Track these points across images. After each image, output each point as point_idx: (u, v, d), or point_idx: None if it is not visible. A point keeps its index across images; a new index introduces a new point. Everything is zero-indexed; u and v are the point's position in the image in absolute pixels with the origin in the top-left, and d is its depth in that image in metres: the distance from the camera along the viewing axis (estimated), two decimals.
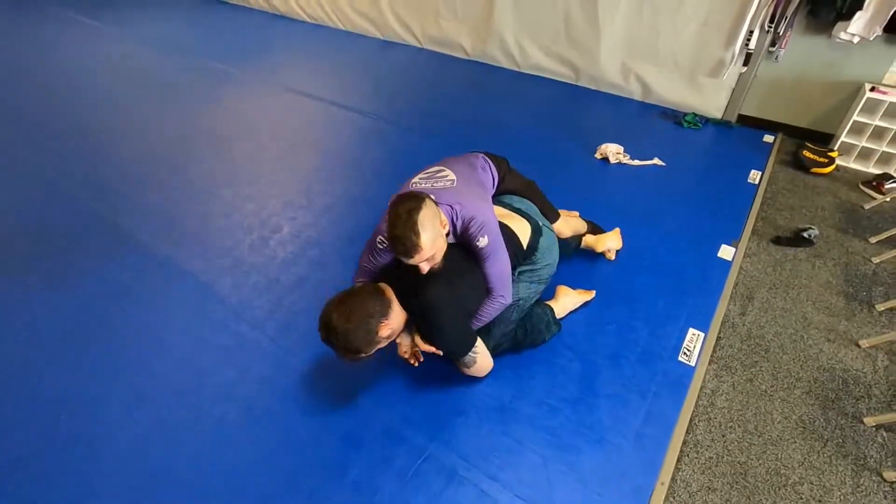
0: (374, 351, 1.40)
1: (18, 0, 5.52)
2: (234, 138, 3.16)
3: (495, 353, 1.65)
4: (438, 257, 1.38)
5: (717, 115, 3.31)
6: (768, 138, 3.12)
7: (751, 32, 2.97)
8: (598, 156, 2.93)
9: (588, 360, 1.72)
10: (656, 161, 2.87)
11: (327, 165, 2.90)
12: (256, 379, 1.70)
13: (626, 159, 2.88)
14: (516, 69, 4.04)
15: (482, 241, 1.45)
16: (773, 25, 2.90)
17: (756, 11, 2.89)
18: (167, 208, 2.53)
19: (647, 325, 1.85)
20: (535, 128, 3.26)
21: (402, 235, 1.28)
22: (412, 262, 1.33)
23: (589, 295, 1.93)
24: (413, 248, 1.29)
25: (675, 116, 3.36)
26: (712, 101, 3.31)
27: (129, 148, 3.05)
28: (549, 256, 1.71)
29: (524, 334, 1.70)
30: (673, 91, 3.44)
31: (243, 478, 1.43)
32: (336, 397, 1.64)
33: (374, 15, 4.53)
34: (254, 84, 3.88)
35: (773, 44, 2.97)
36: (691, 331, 1.83)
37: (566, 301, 1.88)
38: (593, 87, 3.75)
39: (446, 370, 1.67)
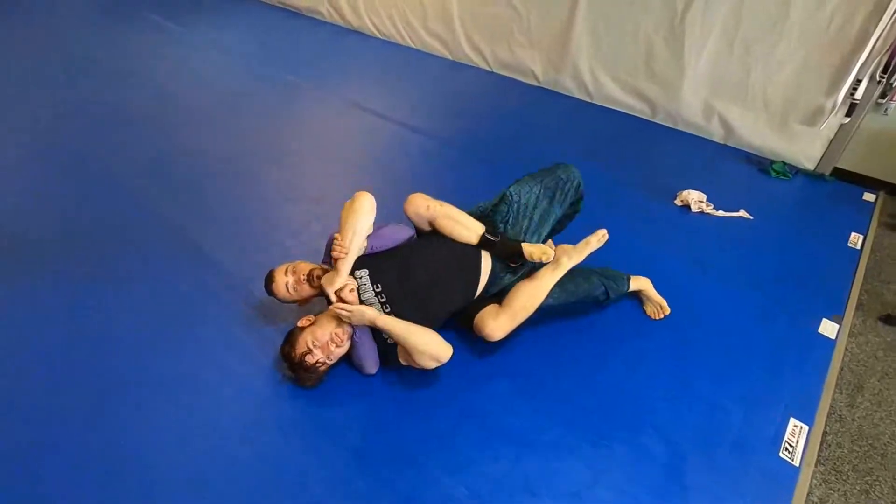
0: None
1: (109, 4, 5.77)
2: (300, 153, 3.15)
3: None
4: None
5: (810, 166, 3.06)
6: (869, 196, 2.85)
7: (858, 81, 2.73)
8: (677, 202, 2.75)
9: (673, 442, 1.55)
10: (743, 213, 2.65)
11: (392, 188, 2.82)
12: (305, 405, 1.62)
13: (709, 209, 2.68)
14: (588, 100, 3.89)
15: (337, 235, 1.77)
16: (885, 76, 2.66)
17: (867, 59, 2.66)
18: (233, 221, 2.51)
19: (740, 407, 1.66)
20: (606, 165, 3.09)
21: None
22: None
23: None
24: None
25: (760, 163, 3.13)
26: (805, 150, 3.07)
27: (197, 154, 3.07)
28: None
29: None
30: (760, 136, 3.21)
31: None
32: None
33: (447, 36, 4.48)
34: (322, 98, 3.88)
35: (882, 95, 2.73)
36: (793, 421, 1.62)
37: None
38: (670, 125, 3.56)
39: (515, 451, 1.54)
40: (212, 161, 3.02)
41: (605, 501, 1.42)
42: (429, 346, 1.57)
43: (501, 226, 1.77)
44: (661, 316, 1.99)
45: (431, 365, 1.57)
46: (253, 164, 3.01)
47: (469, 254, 1.74)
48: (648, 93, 3.57)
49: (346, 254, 1.64)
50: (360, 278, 1.68)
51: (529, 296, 1.71)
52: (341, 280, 1.63)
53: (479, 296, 1.77)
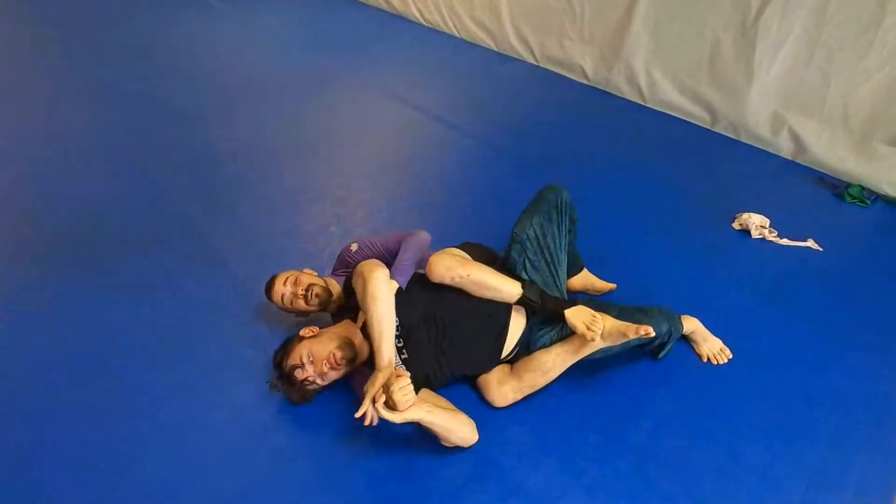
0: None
1: None
2: (327, 147, 3.01)
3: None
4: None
5: (893, 192, 2.70)
6: None
7: None
8: (735, 226, 2.46)
9: None
10: (811, 243, 2.35)
11: (424, 191, 2.65)
12: (303, 441, 1.48)
13: (771, 236, 2.39)
14: (641, 103, 3.59)
15: (353, 247, 1.77)
16: None
17: None
18: (250, 221, 2.40)
19: (798, 483, 1.42)
20: (656, 177, 2.82)
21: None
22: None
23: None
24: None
25: (834, 186, 2.78)
26: (889, 174, 2.70)
27: (225, 145, 2.98)
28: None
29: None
30: (835, 155, 2.86)
31: None
32: None
33: (493, 26, 4.24)
34: (358, 86, 3.73)
35: None
36: None
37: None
38: (731, 136, 3.23)
39: None
40: (236, 152, 2.92)
41: None
42: (464, 435, 1.41)
43: (524, 273, 1.60)
44: (724, 360, 1.76)
45: (453, 444, 1.41)
46: (278, 158, 2.89)
47: (497, 313, 1.56)
48: (710, 98, 3.25)
49: (384, 345, 1.40)
50: None
51: (543, 372, 1.52)
52: (385, 374, 1.36)
53: (507, 358, 1.60)
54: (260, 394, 1.61)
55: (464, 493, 1.37)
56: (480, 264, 1.55)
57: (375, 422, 1.35)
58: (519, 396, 1.56)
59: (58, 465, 1.42)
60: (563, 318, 1.50)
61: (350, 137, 3.11)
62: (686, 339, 1.81)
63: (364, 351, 1.52)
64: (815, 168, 2.93)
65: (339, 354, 1.45)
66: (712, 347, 1.77)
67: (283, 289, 1.64)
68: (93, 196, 2.52)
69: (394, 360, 1.40)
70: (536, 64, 4.11)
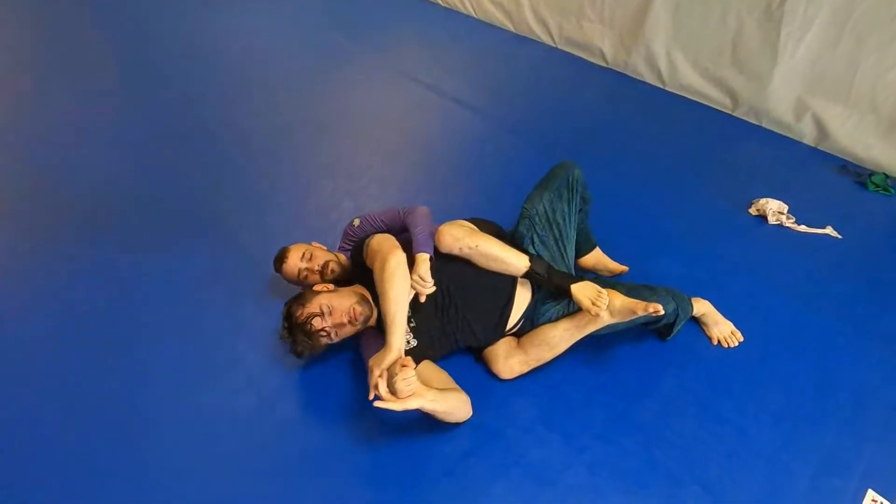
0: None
1: None
2: (340, 124, 3.00)
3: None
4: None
5: None
6: None
7: None
8: (752, 211, 2.42)
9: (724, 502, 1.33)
10: (829, 231, 2.30)
11: (435, 170, 2.64)
12: (313, 409, 1.50)
13: (789, 222, 2.34)
14: (660, 86, 3.51)
15: (356, 222, 1.79)
16: None
17: None
18: (262, 195, 2.41)
19: (807, 467, 1.41)
20: (674, 161, 2.78)
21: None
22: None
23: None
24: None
25: (857, 174, 2.71)
26: None
27: (241, 122, 2.99)
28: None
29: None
30: (860, 142, 2.78)
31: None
32: None
33: (511, 7, 4.16)
34: (372, 66, 3.70)
35: None
36: (871, 494, 1.36)
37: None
38: (752, 121, 3.15)
39: (533, 488, 1.36)
40: (252, 129, 2.92)
41: None
42: (460, 416, 1.42)
43: (531, 247, 1.60)
44: (735, 343, 1.74)
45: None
46: (291, 134, 2.89)
47: (503, 285, 1.56)
48: (731, 82, 3.17)
49: (396, 327, 1.38)
50: None
51: (550, 347, 1.52)
52: (393, 356, 1.34)
53: (512, 331, 1.60)
54: (270, 362, 1.63)
55: (466, 464, 1.38)
56: (489, 236, 1.55)
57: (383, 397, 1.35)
58: (525, 369, 1.56)
59: (74, 427, 1.46)
60: (568, 293, 1.49)
61: (365, 117, 3.09)
62: (697, 322, 1.79)
63: (375, 314, 1.54)
64: (838, 155, 2.86)
65: (358, 310, 1.45)
66: (723, 330, 1.75)
67: (300, 264, 1.65)
68: (112, 172, 2.54)
69: (404, 340, 1.41)
70: (554, 46, 4.04)
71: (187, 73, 3.51)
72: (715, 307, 1.79)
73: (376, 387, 1.27)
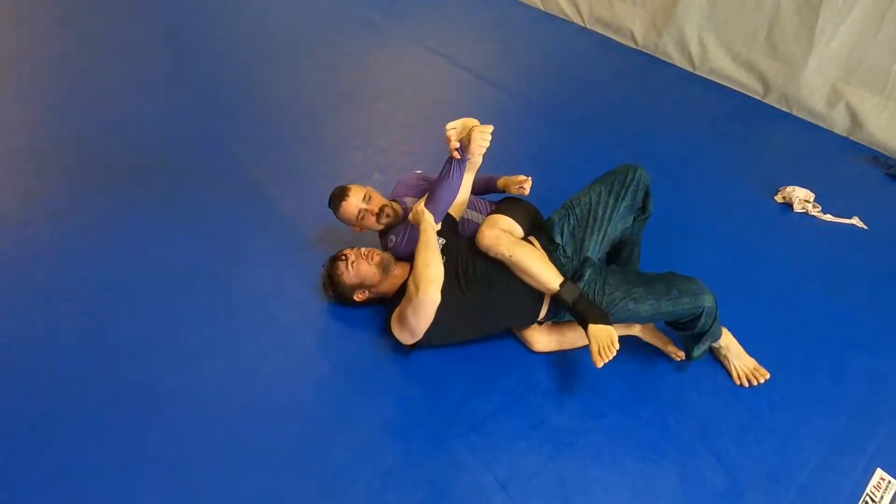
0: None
1: None
2: (371, 98, 3.03)
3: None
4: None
5: None
6: None
7: None
8: (778, 199, 2.42)
9: (733, 473, 1.38)
10: (855, 221, 2.30)
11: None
12: (343, 366, 1.58)
13: (815, 211, 2.34)
14: (691, 70, 3.49)
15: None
16: None
17: None
18: (297, 163, 2.47)
19: (818, 446, 1.46)
20: (700, 145, 2.77)
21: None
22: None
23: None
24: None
25: (888, 166, 2.69)
26: None
27: (271, 93, 3.04)
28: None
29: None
30: (894, 132, 2.75)
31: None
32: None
33: None
34: (400, 40, 3.71)
35: None
36: (879, 473, 1.41)
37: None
38: (784, 109, 3.13)
39: (553, 449, 1.43)
40: (284, 100, 2.98)
41: None
42: (425, 276, 1.45)
43: (559, 237, 1.55)
44: (758, 382, 1.59)
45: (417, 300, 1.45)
46: (322, 105, 2.94)
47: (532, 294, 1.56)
48: (764, 69, 3.14)
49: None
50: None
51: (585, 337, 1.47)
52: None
53: (541, 321, 1.62)
54: (305, 323, 1.71)
55: (490, 423, 1.45)
56: (527, 246, 1.52)
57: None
58: (557, 349, 1.63)
59: (118, 375, 1.55)
60: (584, 326, 1.44)
61: (393, 90, 3.12)
62: (715, 355, 1.66)
63: (396, 281, 1.65)
64: (870, 146, 2.83)
65: (378, 259, 1.62)
66: (746, 364, 1.62)
67: (361, 204, 1.70)
68: (156, 138, 2.60)
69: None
70: (584, 26, 4.00)
71: (229, 46, 3.55)
72: (736, 303, 1.72)
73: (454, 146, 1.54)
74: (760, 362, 1.64)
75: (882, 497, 1.36)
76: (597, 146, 2.70)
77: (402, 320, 1.50)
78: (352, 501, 1.29)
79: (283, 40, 3.66)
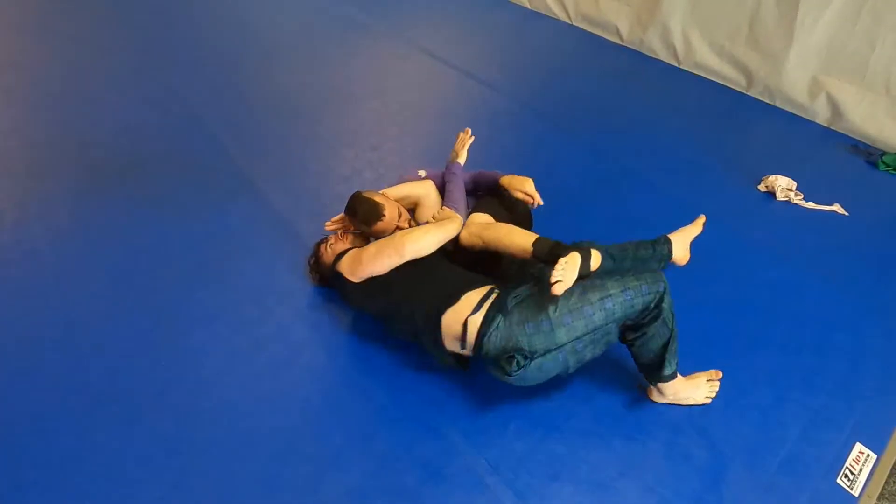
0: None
1: None
2: (361, 96, 3.07)
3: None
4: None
5: None
6: None
7: None
8: (761, 188, 2.47)
9: (717, 449, 1.43)
10: (836, 208, 2.36)
11: (449, 142, 2.68)
12: (337, 355, 1.61)
13: (797, 199, 2.39)
14: (675, 65, 3.54)
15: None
16: None
17: None
18: (289, 160, 2.50)
19: (799, 421, 1.50)
20: (686, 138, 2.83)
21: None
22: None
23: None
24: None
25: (868, 154, 2.75)
26: None
27: (262, 92, 3.06)
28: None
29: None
30: (873, 121, 2.81)
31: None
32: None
33: None
34: (387, 38, 3.75)
35: None
36: (858, 447, 1.45)
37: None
38: (766, 101, 3.19)
39: (542, 432, 1.47)
40: (275, 98, 3.00)
41: (630, 496, 1.33)
42: (422, 239, 1.53)
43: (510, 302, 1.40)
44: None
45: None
46: (314, 104, 2.97)
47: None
48: (747, 62, 3.20)
49: None
50: None
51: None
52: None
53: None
54: (298, 315, 1.74)
55: (480, 411, 1.49)
56: (497, 225, 1.62)
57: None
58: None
59: (114, 370, 1.57)
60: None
61: (382, 89, 3.16)
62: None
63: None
64: (851, 135, 2.89)
65: (350, 237, 1.76)
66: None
67: (396, 221, 1.69)
68: (149, 135, 2.63)
69: None
70: (570, 23, 4.06)
71: (213, 42, 3.57)
72: (720, 284, 1.84)
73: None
74: (744, 343, 1.69)
75: (861, 470, 1.41)
76: (584, 141, 2.75)
77: (365, 251, 1.55)
78: (347, 485, 1.32)
79: (274, 39, 3.68)
